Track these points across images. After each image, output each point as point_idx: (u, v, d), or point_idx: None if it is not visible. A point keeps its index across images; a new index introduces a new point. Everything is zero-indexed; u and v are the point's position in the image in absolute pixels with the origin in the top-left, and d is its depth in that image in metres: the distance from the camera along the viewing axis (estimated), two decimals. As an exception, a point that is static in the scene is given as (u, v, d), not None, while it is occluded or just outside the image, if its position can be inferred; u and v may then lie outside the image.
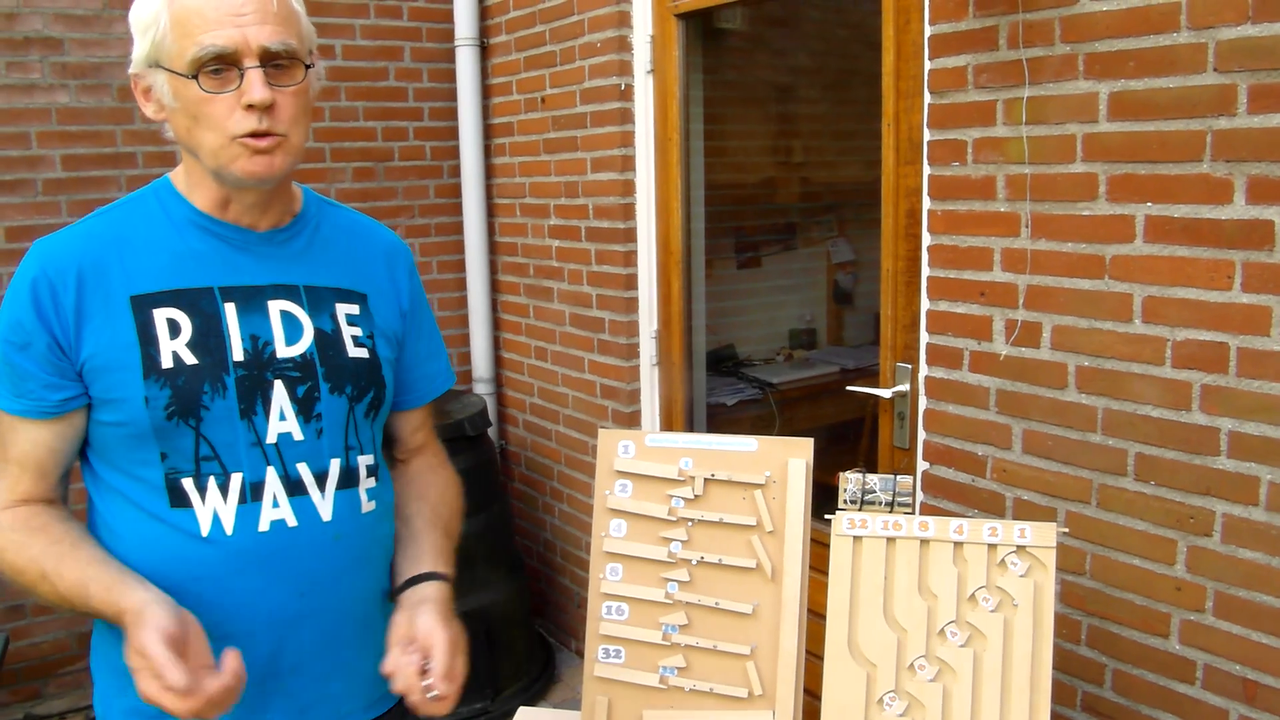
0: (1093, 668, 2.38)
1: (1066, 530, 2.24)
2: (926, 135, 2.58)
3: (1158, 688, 2.27)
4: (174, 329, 1.53)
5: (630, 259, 3.75)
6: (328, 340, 1.63)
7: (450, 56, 4.47)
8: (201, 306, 1.55)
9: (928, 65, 2.55)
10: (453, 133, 4.54)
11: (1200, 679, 2.19)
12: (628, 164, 3.69)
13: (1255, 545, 2.08)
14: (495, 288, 4.61)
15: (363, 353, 1.67)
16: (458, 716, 3.78)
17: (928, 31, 2.54)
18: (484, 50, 4.42)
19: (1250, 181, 2.00)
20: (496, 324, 4.64)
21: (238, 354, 1.56)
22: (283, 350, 1.59)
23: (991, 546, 1.78)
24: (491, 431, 4.33)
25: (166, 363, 1.51)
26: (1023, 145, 2.35)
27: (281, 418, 1.57)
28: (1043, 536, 1.76)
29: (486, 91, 4.46)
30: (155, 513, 1.54)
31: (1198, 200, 2.08)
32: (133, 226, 1.57)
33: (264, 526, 1.56)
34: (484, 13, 4.39)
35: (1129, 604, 2.30)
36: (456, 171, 4.57)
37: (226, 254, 1.59)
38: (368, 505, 1.67)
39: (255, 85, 1.46)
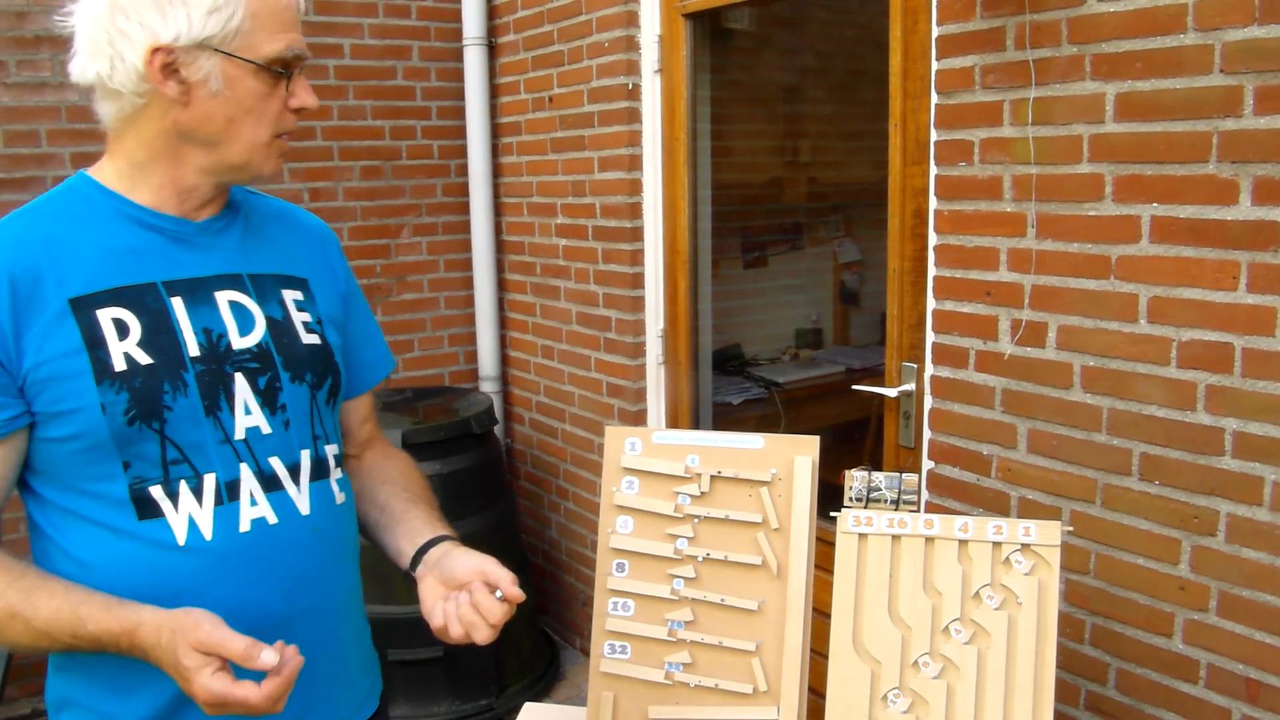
0: (1096, 667, 2.39)
1: (1071, 529, 2.25)
2: (933, 135, 2.59)
3: (1161, 687, 2.27)
4: (122, 329, 1.44)
5: (637, 258, 3.76)
6: (280, 328, 1.58)
7: (458, 56, 4.48)
8: (147, 303, 1.46)
9: (935, 66, 2.55)
10: (460, 132, 4.55)
11: (1203, 678, 2.20)
12: (635, 163, 3.70)
13: (1259, 545, 2.08)
14: (502, 286, 4.62)
15: (315, 339, 1.62)
16: (461, 714, 3.79)
17: (935, 32, 2.54)
18: (492, 50, 4.44)
19: (1256, 182, 2.01)
20: (503, 322, 4.65)
21: (193, 349, 1.48)
22: (238, 341, 1.52)
23: (996, 544, 1.78)
24: (498, 429, 4.34)
25: (119, 365, 1.42)
26: (1029, 145, 2.36)
27: (247, 411, 1.51)
28: (1047, 535, 1.77)
29: (494, 91, 4.47)
30: (122, 528, 1.44)
31: (1204, 201, 2.09)
32: (59, 226, 1.47)
33: (245, 527, 1.49)
34: (492, 12, 4.40)
35: (1133, 603, 2.30)
36: (464, 170, 4.58)
37: (163, 247, 1.50)
38: (340, 496, 1.64)
39: (309, 90, 1.50)
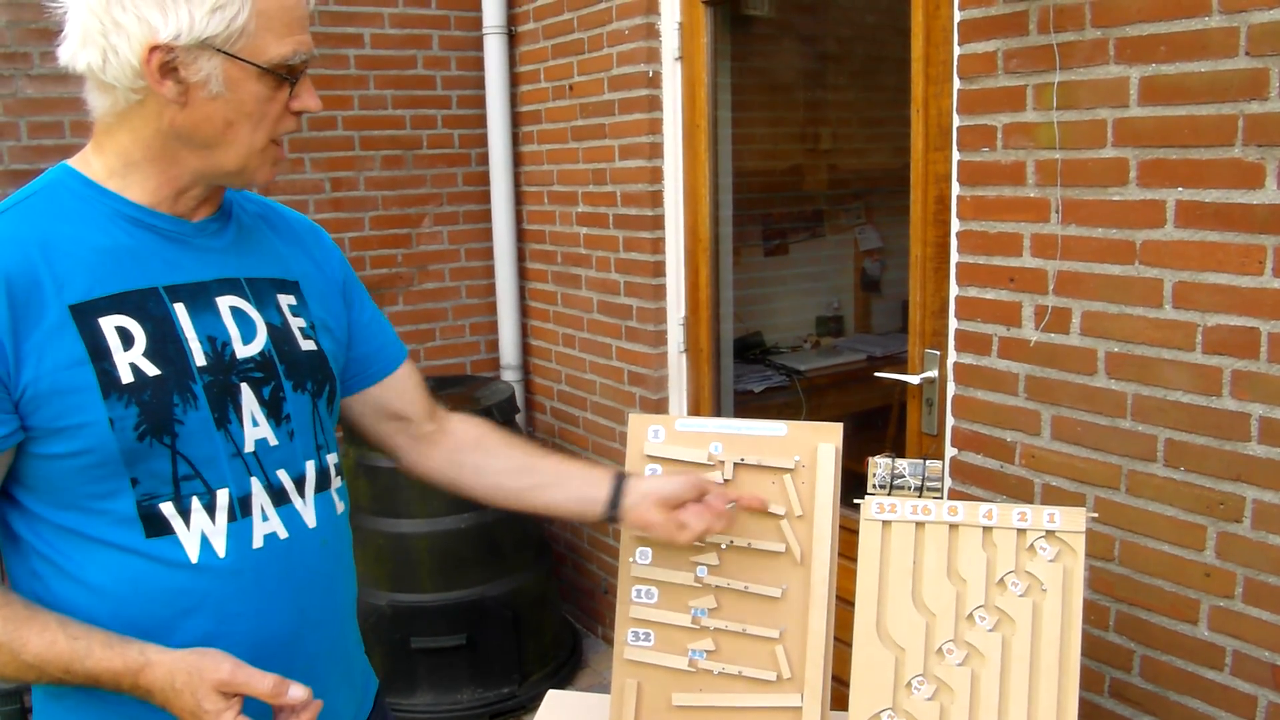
0: (1121, 654, 2.38)
1: (1096, 515, 2.24)
2: (956, 121, 2.57)
3: (1186, 674, 2.26)
4: (126, 338, 1.36)
5: (658, 246, 3.75)
6: (280, 335, 1.52)
7: (478, 45, 4.48)
8: (150, 310, 1.39)
9: (957, 50, 2.54)
10: (481, 121, 4.55)
11: (1229, 665, 2.19)
12: (656, 151, 3.69)
13: (1286, 531, 2.07)
14: (523, 275, 4.63)
15: (311, 345, 1.57)
16: (484, 701, 3.81)
17: (957, 16, 2.53)
18: (512, 38, 4.43)
19: (1283, 166, 1.99)
20: (524, 311, 4.66)
21: (199, 359, 1.41)
22: (241, 350, 1.46)
23: (1021, 531, 1.78)
24: (519, 418, 4.35)
25: (126, 377, 1.35)
26: (1053, 130, 2.34)
27: (254, 423, 1.46)
28: (1072, 521, 1.76)
29: (514, 79, 4.47)
30: (129, 546, 1.37)
31: (1229, 185, 2.07)
32: (51, 225, 1.38)
33: (258, 543, 1.44)
34: (512, 1, 4.40)
35: (1158, 590, 2.30)
36: (484, 159, 4.58)
37: (161, 249, 1.43)
38: (340, 506, 1.61)
39: (312, 93, 1.44)
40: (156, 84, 1.34)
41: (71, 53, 1.38)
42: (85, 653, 1.30)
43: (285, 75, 1.39)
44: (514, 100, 4.49)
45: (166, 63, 1.33)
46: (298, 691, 1.31)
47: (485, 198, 4.61)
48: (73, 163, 1.45)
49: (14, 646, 1.31)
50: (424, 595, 3.77)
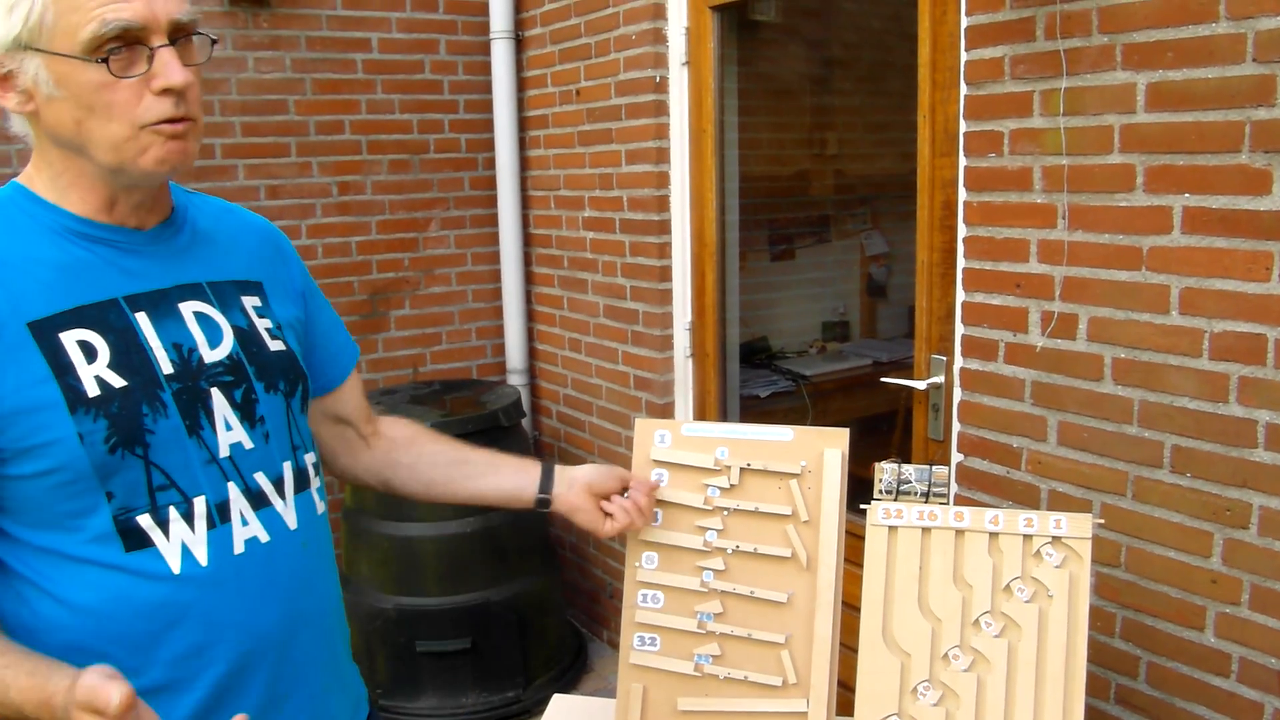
0: (1127, 660, 2.38)
1: (1102, 522, 2.23)
2: (963, 126, 2.58)
3: (1192, 680, 2.26)
4: (89, 352, 1.34)
5: (664, 251, 3.76)
6: (247, 337, 1.51)
7: (486, 49, 4.49)
8: (111, 321, 1.37)
9: (964, 56, 2.54)
10: (488, 125, 4.56)
11: (1235, 672, 2.18)
12: (662, 156, 3.70)
13: (1293, 538, 2.07)
14: (530, 279, 4.63)
15: (280, 345, 1.55)
16: (489, 705, 3.81)
17: (964, 22, 2.53)
18: (519, 43, 4.44)
19: (1290, 172, 1.99)
20: (531, 315, 4.66)
21: (166, 366, 1.39)
22: (209, 354, 1.44)
23: (1027, 537, 1.78)
24: (525, 422, 4.35)
25: (92, 390, 1.32)
26: (1060, 136, 2.34)
27: (228, 427, 1.44)
28: (1078, 528, 1.76)
29: (521, 84, 4.48)
30: (109, 561, 1.35)
31: (1236, 191, 2.07)
32: (3, 244, 1.36)
33: (239, 548, 1.43)
34: (519, 5, 4.41)
35: (1164, 596, 2.29)
36: (492, 164, 4.59)
37: (118, 260, 1.41)
38: (320, 506, 1.59)
39: (173, 67, 1.32)
40: (1, 97, 1.33)
41: None
42: (12, 682, 1.23)
43: (104, 57, 1.29)
44: (521, 105, 4.50)
45: (4, 75, 1.32)
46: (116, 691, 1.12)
47: (492, 202, 4.62)
48: (21, 179, 1.43)
49: None
50: (429, 599, 3.77)
